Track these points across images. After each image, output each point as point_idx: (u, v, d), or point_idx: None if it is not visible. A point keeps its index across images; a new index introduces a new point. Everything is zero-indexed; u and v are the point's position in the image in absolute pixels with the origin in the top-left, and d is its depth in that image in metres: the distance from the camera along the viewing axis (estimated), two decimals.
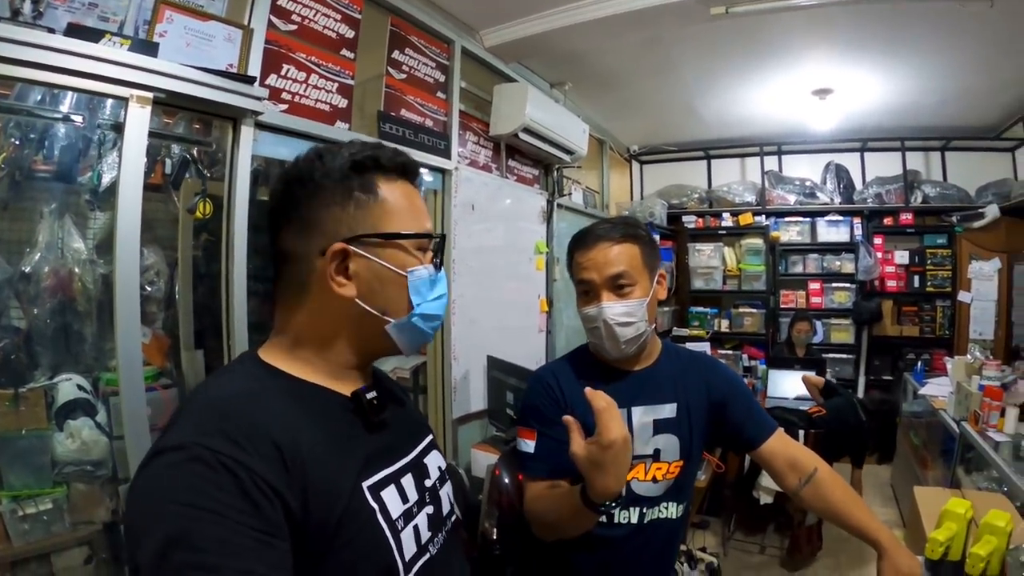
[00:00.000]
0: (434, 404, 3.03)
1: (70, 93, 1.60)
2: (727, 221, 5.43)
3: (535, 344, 3.94)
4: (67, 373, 1.72)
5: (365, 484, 0.72)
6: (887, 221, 5.07)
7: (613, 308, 1.21)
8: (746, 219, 5.34)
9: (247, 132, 1.94)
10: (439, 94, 2.90)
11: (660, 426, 1.27)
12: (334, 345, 0.78)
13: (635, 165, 5.88)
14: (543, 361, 3.96)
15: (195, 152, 1.92)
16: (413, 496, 0.79)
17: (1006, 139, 4.84)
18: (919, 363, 4.30)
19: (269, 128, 2.03)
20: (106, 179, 1.68)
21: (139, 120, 1.58)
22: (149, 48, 1.57)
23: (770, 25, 3.13)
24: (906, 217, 4.99)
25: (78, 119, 1.65)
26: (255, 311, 2.04)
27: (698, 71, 3.88)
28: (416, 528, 0.78)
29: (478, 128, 3.28)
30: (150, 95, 1.58)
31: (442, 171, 2.94)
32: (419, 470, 0.84)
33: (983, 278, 4.36)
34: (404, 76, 2.67)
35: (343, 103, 2.34)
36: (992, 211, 4.52)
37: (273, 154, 2.16)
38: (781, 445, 1.36)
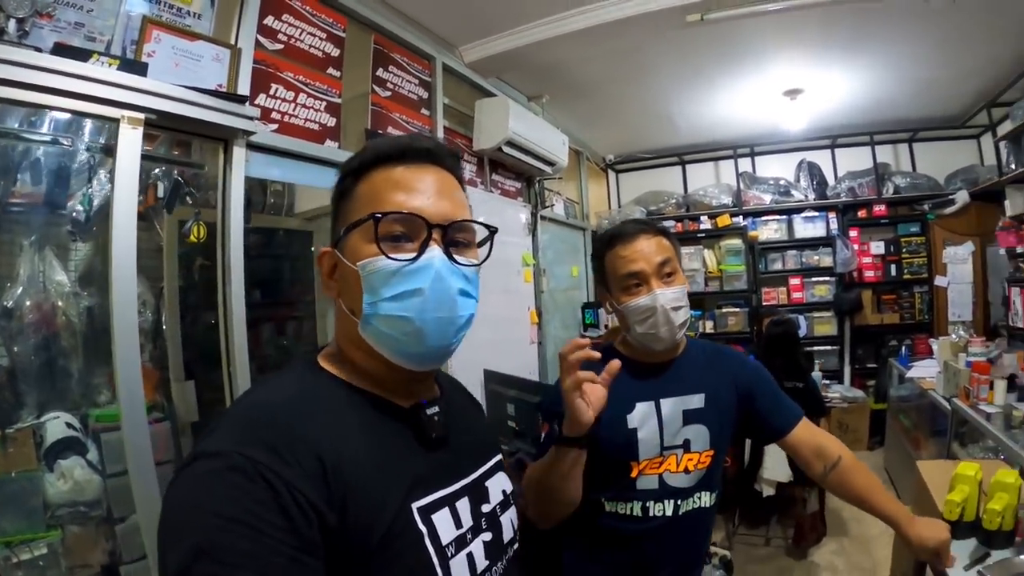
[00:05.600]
0: None
1: (52, 116, 1.55)
2: (705, 224, 5.51)
3: (528, 356, 3.92)
4: (55, 411, 1.64)
5: (415, 505, 0.67)
6: (861, 214, 5.19)
7: (666, 294, 1.22)
8: (724, 221, 5.43)
9: (239, 153, 1.90)
10: (423, 111, 2.90)
11: (689, 417, 1.27)
12: (350, 346, 0.74)
13: (611, 174, 5.95)
14: (536, 373, 3.95)
15: (184, 175, 1.87)
16: (468, 522, 0.73)
17: (971, 127, 5.00)
18: (902, 348, 4.38)
19: (260, 148, 2.00)
20: (96, 204, 1.62)
21: (131, 142, 1.54)
22: (138, 68, 1.53)
23: (741, 30, 3.20)
24: (879, 208, 5.12)
25: (65, 143, 1.59)
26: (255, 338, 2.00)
27: (672, 78, 3.95)
28: (471, 556, 0.72)
29: (462, 143, 3.28)
30: (142, 116, 1.54)
31: None
32: (478, 493, 0.78)
33: (958, 262, 4.48)
34: (389, 94, 2.66)
35: (331, 122, 2.32)
36: (962, 197, 4.67)
37: (264, 175, 2.14)
38: (808, 434, 1.38)
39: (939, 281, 4.74)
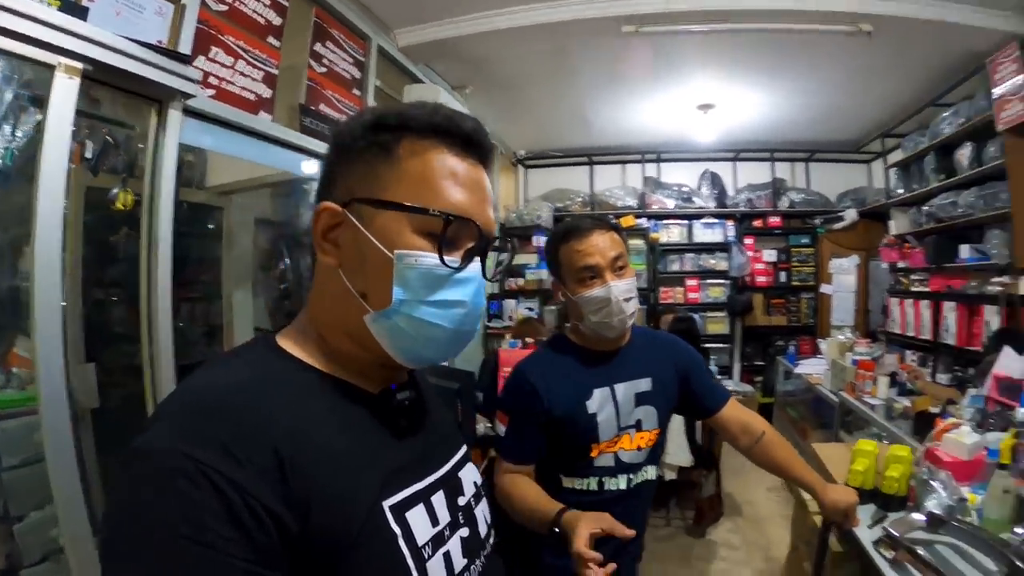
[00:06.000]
0: None
1: None
2: None
3: None
4: None
5: (387, 503, 0.60)
6: (757, 223, 5.70)
7: (619, 286, 1.29)
8: (628, 221, 5.69)
9: (175, 117, 1.77)
10: (355, 91, 2.82)
11: (640, 399, 1.37)
12: (329, 329, 0.65)
13: (520, 170, 6.06)
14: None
15: (114, 137, 1.71)
16: (445, 517, 0.67)
17: (864, 152, 5.61)
18: (789, 348, 4.83)
19: (195, 114, 1.87)
20: (17, 160, 1.44)
21: (66, 93, 1.39)
22: (79, 11, 1.38)
23: (667, 44, 3.37)
24: (774, 220, 5.65)
25: None
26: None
27: (595, 82, 4.10)
28: (447, 556, 0.65)
29: None
30: (80, 66, 1.39)
31: None
32: (452, 485, 0.71)
33: (843, 272, 5.00)
34: (325, 70, 2.56)
35: (267, 93, 2.20)
36: (851, 215, 5.22)
37: (196, 142, 2.00)
38: (735, 412, 1.54)
39: (824, 289, 5.26)
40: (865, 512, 1.64)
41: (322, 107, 2.56)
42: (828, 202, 5.63)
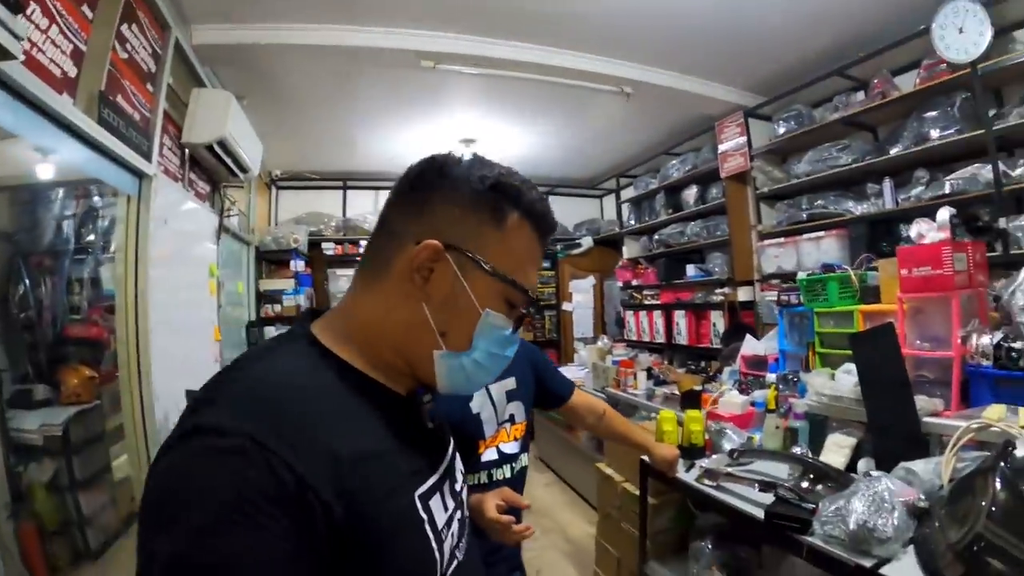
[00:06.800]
0: (134, 458, 2.48)
1: None
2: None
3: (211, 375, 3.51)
4: None
5: (417, 493, 0.67)
6: None
7: None
8: None
9: None
10: (148, 86, 2.46)
11: (510, 396, 1.55)
12: (385, 341, 0.70)
13: (274, 190, 5.72)
14: None
15: None
16: (451, 504, 0.75)
17: (599, 189, 6.74)
18: None
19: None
20: None
21: None
22: None
23: (443, 81, 3.62)
24: None
25: None
26: None
27: (373, 109, 4.18)
28: (452, 535, 0.73)
29: (173, 132, 2.85)
30: None
31: (140, 175, 2.49)
32: (452, 474, 0.79)
33: (582, 292, 5.92)
34: (127, 56, 2.21)
35: (73, 72, 1.85)
36: (587, 242, 6.21)
37: None
38: (580, 397, 1.83)
39: (566, 306, 6.12)
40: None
41: (119, 99, 2.19)
42: (566, 231, 6.57)
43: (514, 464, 1.52)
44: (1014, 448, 1.39)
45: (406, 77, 3.57)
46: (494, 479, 1.47)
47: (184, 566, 0.47)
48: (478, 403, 1.47)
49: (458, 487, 0.80)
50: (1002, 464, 1.32)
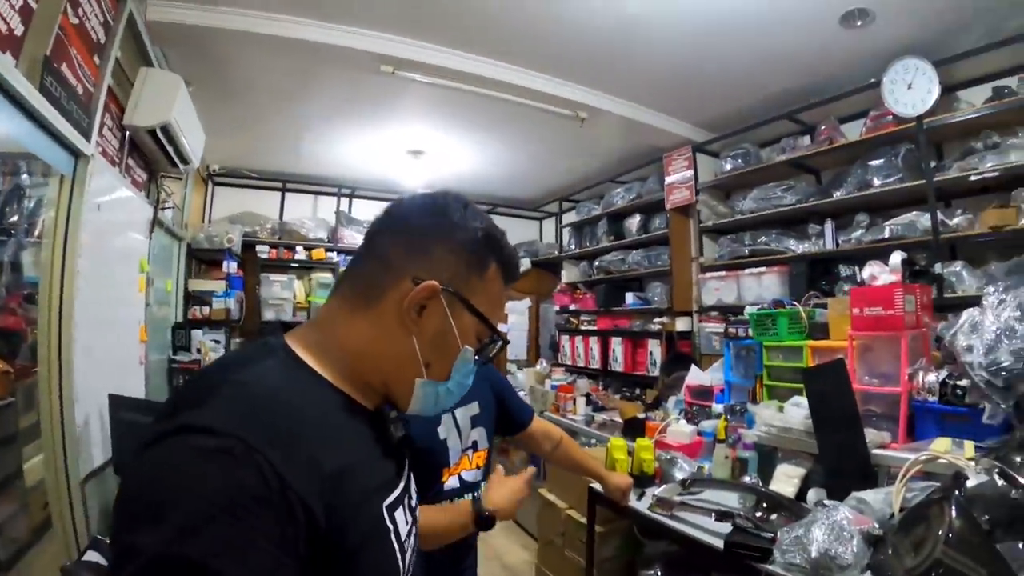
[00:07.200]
0: (50, 462, 2.25)
1: None
2: (301, 255, 5.60)
3: (135, 379, 3.27)
4: None
5: (384, 504, 0.70)
6: None
7: None
8: (319, 254, 5.62)
9: None
10: (96, 58, 2.28)
11: (474, 421, 1.52)
12: (371, 366, 0.74)
13: (211, 185, 5.41)
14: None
15: None
16: (409, 519, 0.78)
17: (540, 211, 6.69)
18: None
19: None
20: None
21: None
22: None
23: (398, 88, 3.54)
24: None
25: None
26: None
27: (324, 112, 4.05)
28: (412, 549, 0.78)
29: (115, 112, 2.65)
30: None
31: (77, 154, 2.29)
32: (409, 490, 0.83)
33: (517, 313, 5.87)
34: (77, 22, 2.03)
35: (20, 29, 1.68)
36: (526, 263, 6.13)
37: None
38: (539, 424, 1.82)
39: (500, 327, 6.08)
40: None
41: (64, 68, 2.01)
42: None
43: (475, 492, 1.47)
44: (966, 479, 1.49)
45: (363, 81, 3.49)
46: None
47: (169, 562, 0.48)
48: (445, 429, 1.44)
49: (414, 503, 0.83)
50: (956, 493, 1.40)
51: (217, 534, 0.49)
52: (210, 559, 0.48)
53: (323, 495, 0.57)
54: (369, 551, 0.65)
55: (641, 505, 2.07)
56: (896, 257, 2.21)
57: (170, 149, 3.13)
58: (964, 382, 1.88)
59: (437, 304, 0.73)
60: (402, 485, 0.77)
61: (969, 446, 1.73)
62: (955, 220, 2.74)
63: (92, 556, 2.08)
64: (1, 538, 2.09)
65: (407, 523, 0.76)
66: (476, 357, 0.78)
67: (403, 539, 0.72)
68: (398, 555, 0.70)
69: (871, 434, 1.95)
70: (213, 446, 0.52)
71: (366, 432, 0.72)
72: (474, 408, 1.51)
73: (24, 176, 2.45)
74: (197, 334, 4.53)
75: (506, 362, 5.78)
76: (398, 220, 0.78)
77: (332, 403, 0.69)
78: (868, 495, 1.70)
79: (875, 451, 1.93)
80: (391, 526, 0.70)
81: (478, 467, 1.50)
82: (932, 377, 1.98)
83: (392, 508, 0.71)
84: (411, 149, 4.73)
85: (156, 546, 0.48)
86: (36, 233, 2.45)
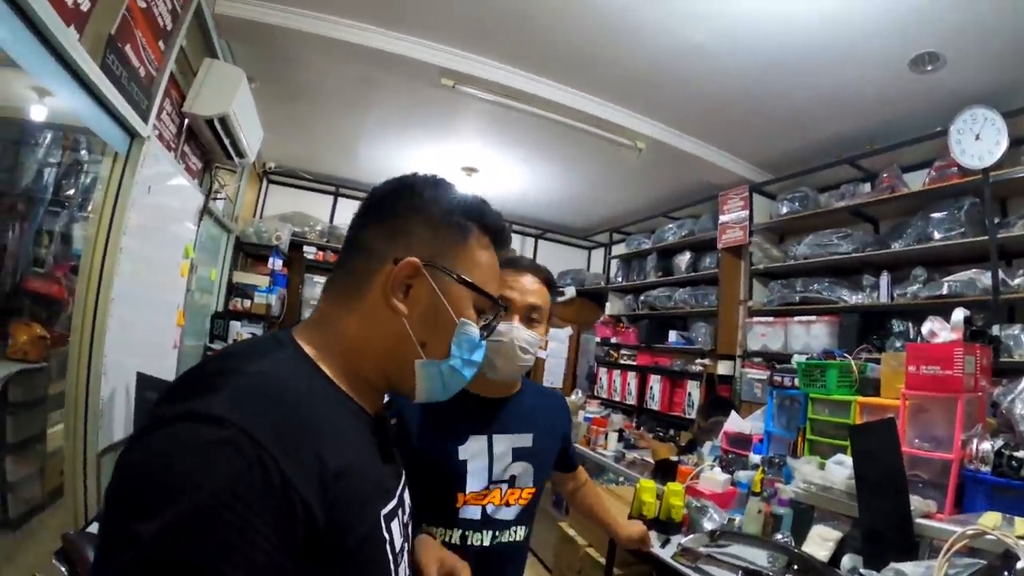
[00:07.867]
0: (70, 430, 2.26)
1: None
2: None
3: (168, 362, 3.30)
4: None
5: (382, 512, 0.69)
6: None
7: (523, 332, 1.27)
8: None
9: None
10: (161, 43, 2.34)
11: (518, 454, 1.32)
12: (367, 358, 0.72)
13: (265, 182, 5.56)
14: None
15: None
16: (403, 532, 0.76)
17: (590, 241, 6.60)
18: None
19: None
20: None
21: None
22: None
23: (457, 103, 3.56)
24: None
25: None
26: None
27: (385, 120, 4.10)
28: (404, 567, 0.76)
29: (176, 98, 2.72)
30: None
31: (133, 134, 2.35)
32: (403, 505, 0.79)
33: (558, 341, 5.74)
34: (144, 6, 2.10)
35: (87, 5, 1.73)
36: (571, 291, 6.03)
37: None
38: None
39: (540, 353, 5.96)
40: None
41: (127, 48, 2.07)
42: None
43: (498, 533, 1.27)
44: (1017, 558, 1.33)
45: (423, 93, 3.51)
46: (468, 542, 1.23)
47: (168, 552, 0.47)
48: (471, 449, 1.25)
49: (406, 520, 0.79)
50: (1005, 574, 1.26)
51: (218, 530, 0.48)
52: (209, 555, 0.48)
53: (326, 494, 0.57)
54: (366, 556, 0.64)
55: (665, 553, 1.93)
56: (958, 314, 2.03)
57: (227, 141, 3.20)
58: (1021, 453, 1.71)
59: (423, 281, 0.71)
60: (396, 498, 0.74)
61: (1021, 523, 1.56)
62: (1016, 280, 2.56)
63: (96, 528, 2.08)
64: (15, 497, 2.11)
65: (401, 538, 0.73)
66: (483, 331, 0.77)
67: (396, 552, 0.71)
68: (392, 567, 0.69)
69: (916, 501, 1.78)
70: (220, 437, 0.51)
71: (367, 436, 0.71)
72: (524, 440, 1.32)
73: (84, 152, 2.54)
74: (235, 325, 4.60)
75: (542, 383, 5.67)
76: (372, 208, 0.76)
77: (338, 402, 0.68)
78: (908, 567, 1.55)
79: (919, 520, 1.76)
80: (387, 536, 0.68)
81: (509, 504, 1.29)
82: (987, 445, 1.80)
83: (388, 518, 0.70)
84: (465, 166, 4.73)
85: (157, 536, 0.47)
86: (89, 208, 2.53)
